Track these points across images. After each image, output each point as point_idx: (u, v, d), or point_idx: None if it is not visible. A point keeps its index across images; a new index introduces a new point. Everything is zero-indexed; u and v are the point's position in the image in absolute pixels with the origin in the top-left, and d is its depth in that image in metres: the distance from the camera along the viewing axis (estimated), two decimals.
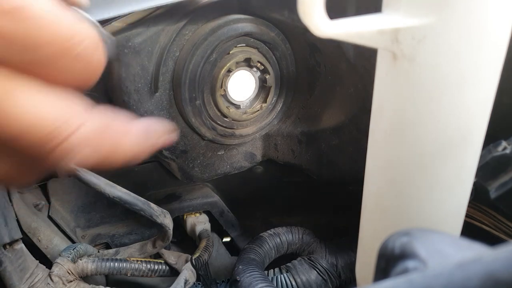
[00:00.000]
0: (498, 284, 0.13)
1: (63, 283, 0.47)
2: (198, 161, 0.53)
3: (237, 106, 0.50)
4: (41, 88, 0.19)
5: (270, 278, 0.51)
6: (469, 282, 0.14)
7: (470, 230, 0.35)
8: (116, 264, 0.50)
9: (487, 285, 0.13)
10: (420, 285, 0.15)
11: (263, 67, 0.48)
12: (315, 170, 0.56)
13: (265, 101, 0.51)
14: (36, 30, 0.18)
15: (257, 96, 0.51)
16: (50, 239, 0.53)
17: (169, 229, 0.53)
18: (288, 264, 0.53)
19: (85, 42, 0.19)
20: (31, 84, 0.19)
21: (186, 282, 0.49)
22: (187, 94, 0.46)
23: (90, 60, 0.20)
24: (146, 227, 0.60)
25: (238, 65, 0.47)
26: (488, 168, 0.35)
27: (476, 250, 0.19)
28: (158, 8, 0.40)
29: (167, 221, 0.54)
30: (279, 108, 0.53)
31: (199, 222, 0.61)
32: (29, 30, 0.18)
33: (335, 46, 0.44)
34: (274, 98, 0.52)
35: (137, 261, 0.52)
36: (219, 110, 0.49)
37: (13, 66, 0.18)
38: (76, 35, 0.19)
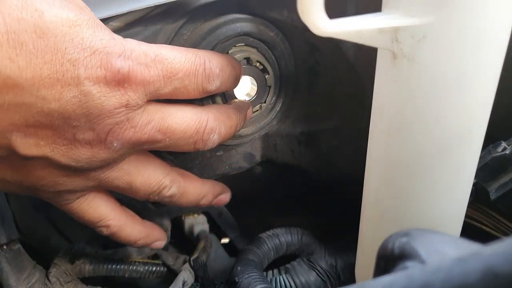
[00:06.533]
0: (497, 278, 0.13)
1: (61, 284, 0.47)
2: (197, 162, 0.52)
3: None
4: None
5: (269, 279, 0.50)
6: (468, 276, 0.14)
7: (470, 231, 0.35)
8: (113, 265, 0.50)
9: (486, 279, 0.13)
10: (419, 280, 0.15)
11: (262, 67, 0.48)
12: (314, 170, 0.56)
13: (264, 101, 0.51)
14: None
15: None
16: (48, 239, 0.53)
17: (167, 230, 0.53)
18: (287, 265, 0.53)
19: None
20: None
21: (184, 283, 0.49)
22: None
23: None
24: None
25: None
26: (488, 169, 0.35)
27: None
28: (156, 7, 0.40)
29: (165, 222, 0.54)
30: (278, 108, 0.53)
31: (197, 223, 0.61)
32: None
33: (335, 45, 0.44)
34: (273, 98, 0.51)
35: (135, 262, 0.51)
36: None
37: None
38: None
